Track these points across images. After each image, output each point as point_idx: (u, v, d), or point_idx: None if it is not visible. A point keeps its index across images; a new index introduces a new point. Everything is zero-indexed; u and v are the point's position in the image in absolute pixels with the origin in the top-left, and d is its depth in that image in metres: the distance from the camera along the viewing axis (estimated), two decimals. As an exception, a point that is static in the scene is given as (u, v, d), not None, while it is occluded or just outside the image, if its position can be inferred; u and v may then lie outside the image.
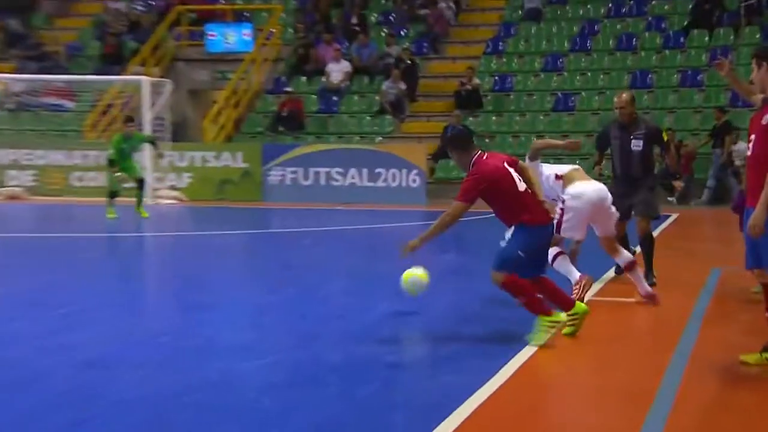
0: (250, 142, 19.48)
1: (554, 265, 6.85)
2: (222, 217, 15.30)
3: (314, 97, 20.70)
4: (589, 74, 19.97)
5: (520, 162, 5.98)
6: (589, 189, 7.17)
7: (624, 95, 8.06)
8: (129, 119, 14.17)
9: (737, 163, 16.55)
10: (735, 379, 5.02)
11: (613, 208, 7.23)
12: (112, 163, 13.59)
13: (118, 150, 13.47)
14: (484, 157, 5.83)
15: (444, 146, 17.44)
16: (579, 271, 6.92)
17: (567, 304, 5.85)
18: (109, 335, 5.99)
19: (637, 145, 7.93)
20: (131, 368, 5.13)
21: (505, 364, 5.22)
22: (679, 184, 16.79)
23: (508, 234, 5.75)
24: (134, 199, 14.00)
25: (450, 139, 6.03)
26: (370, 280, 8.16)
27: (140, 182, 13.78)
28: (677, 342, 5.83)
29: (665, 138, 8.22)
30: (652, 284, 7.34)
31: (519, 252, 5.60)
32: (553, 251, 6.83)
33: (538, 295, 5.69)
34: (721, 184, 16.77)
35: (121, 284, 8.21)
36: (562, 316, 5.63)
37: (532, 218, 5.66)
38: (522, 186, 5.72)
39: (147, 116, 17.18)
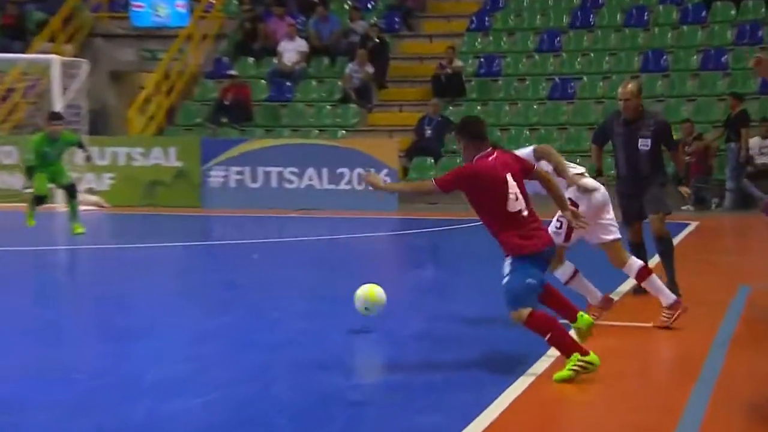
0: (185, 135, 19.48)
1: (572, 284, 7.13)
2: (152, 227, 15.22)
3: (263, 82, 20.72)
4: (592, 55, 20.19)
5: (539, 170, 6.10)
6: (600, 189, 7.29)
7: (629, 85, 8.11)
8: (55, 116, 13.22)
9: (760, 161, 16.62)
10: (766, 416, 5.05)
11: (609, 219, 7.25)
12: (31, 170, 12.76)
13: (39, 154, 12.61)
14: (490, 158, 5.86)
15: (416, 145, 17.98)
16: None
17: (572, 315, 6.05)
18: (16, 370, 5.95)
19: (644, 144, 8.04)
20: (40, 410, 5.08)
21: (495, 399, 5.20)
22: (685, 191, 16.78)
23: (507, 266, 5.80)
24: (65, 208, 13.57)
25: (462, 124, 6.09)
26: (329, 300, 8.16)
27: (70, 189, 12.92)
28: (699, 372, 5.90)
29: (674, 137, 8.29)
30: (676, 297, 7.37)
31: (528, 281, 5.73)
32: (568, 270, 7.05)
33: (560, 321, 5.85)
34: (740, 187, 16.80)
35: (33, 308, 8.12)
36: (594, 359, 5.68)
37: (525, 245, 5.74)
38: (516, 206, 5.77)
39: (58, 104, 17.04)
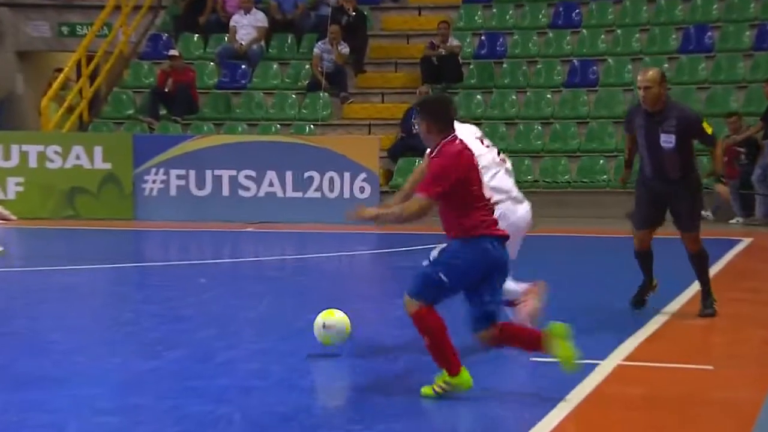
0: (114, 131, 19.47)
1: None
2: (72, 245, 15.18)
3: (212, 65, 20.76)
4: (618, 32, 20.30)
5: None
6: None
7: (650, 72, 8.44)
8: None
9: None
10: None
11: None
12: None
13: None
14: (456, 142, 6.40)
15: (402, 143, 18.06)
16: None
17: (536, 338, 6.38)
18: None
19: (667, 141, 8.31)
20: None
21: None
22: (724, 190, 16.62)
23: (438, 252, 6.36)
24: None
25: (424, 102, 6.62)
26: (294, 336, 8.14)
27: None
28: (754, 424, 5.97)
29: (709, 130, 8.54)
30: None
31: (443, 279, 6.26)
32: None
33: (452, 346, 6.35)
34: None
35: None
36: (465, 381, 6.31)
37: (487, 224, 6.34)
38: (486, 192, 6.50)
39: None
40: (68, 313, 9.57)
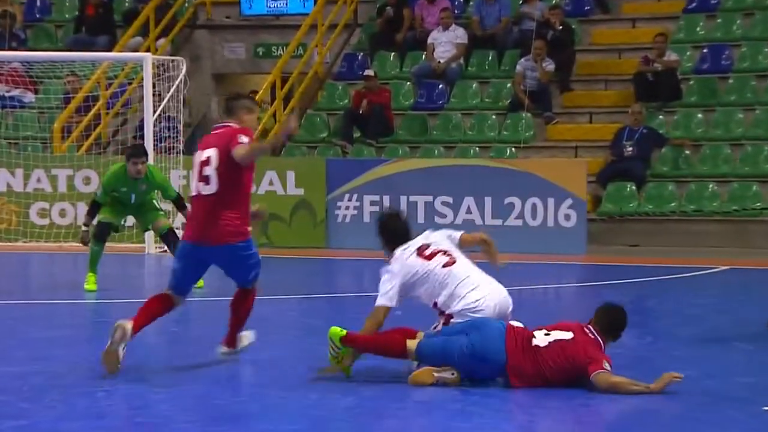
0: (307, 156, 19.88)
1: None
2: (265, 274, 15.48)
3: (408, 84, 20.94)
4: None
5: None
6: None
7: None
8: (136, 152, 12.68)
9: None
10: None
11: None
12: (95, 208, 12.65)
13: (109, 191, 12.63)
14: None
15: (612, 167, 17.83)
16: None
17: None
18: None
19: None
20: None
21: None
22: None
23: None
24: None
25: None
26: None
27: (168, 234, 12.85)
28: None
29: None
30: None
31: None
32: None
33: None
34: None
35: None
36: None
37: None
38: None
39: (149, 116, 17.35)
40: (260, 345, 9.76)
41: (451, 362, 7.59)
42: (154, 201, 13.06)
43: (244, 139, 7.97)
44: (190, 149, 18.69)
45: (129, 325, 7.87)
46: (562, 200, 17.04)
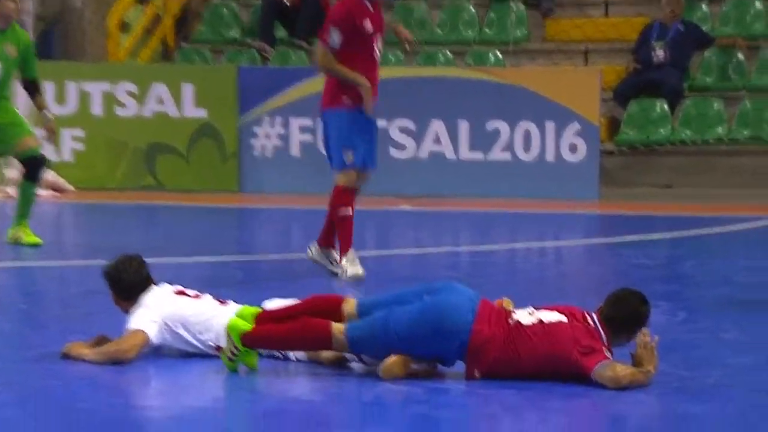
0: (212, 63, 19.85)
1: None
2: (150, 230, 15.48)
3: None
4: None
5: None
6: None
7: None
8: None
9: None
10: None
11: None
12: None
13: None
14: None
15: (636, 78, 17.79)
16: None
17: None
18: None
19: None
20: None
21: None
22: None
23: None
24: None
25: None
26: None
27: (32, 163, 13.31)
28: None
29: None
30: None
31: None
32: None
33: None
34: None
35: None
36: None
37: None
38: None
39: None
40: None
41: (396, 345, 7.56)
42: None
43: None
44: (42, 52, 18.57)
45: None
46: (566, 125, 17.11)
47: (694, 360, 7.89)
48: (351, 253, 11.30)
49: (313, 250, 11.55)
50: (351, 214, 11.32)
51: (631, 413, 7.19)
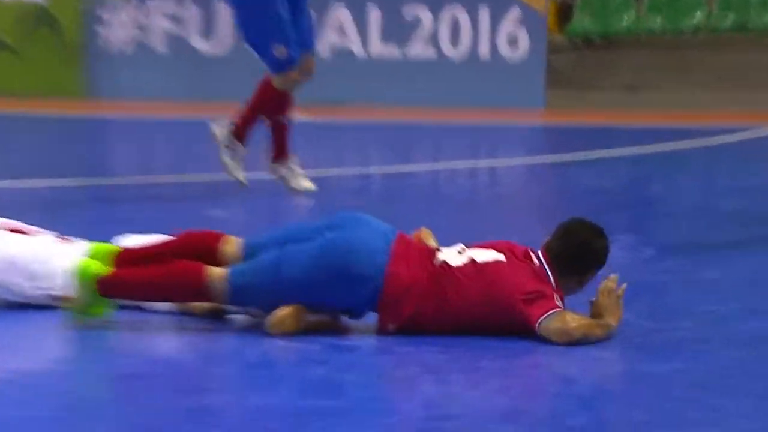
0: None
1: None
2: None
3: None
4: None
5: None
6: None
7: None
8: None
9: None
10: None
11: None
12: None
13: None
14: None
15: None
16: None
17: None
18: None
19: None
20: None
21: None
22: None
23: None
24: None
25: None
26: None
27: None
28: None
29: None
30: None
31: None
32: None
33: None
34: None
35: None
36: None
37: None
38: None
39: None
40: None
41: (290, 293, 7.66)
42: None
43: None
44: None
45: None
46: (504, 12, 17.23)
47: (661, 308, 8.04)
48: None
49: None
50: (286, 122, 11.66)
51: (584, 374, 7.28)
